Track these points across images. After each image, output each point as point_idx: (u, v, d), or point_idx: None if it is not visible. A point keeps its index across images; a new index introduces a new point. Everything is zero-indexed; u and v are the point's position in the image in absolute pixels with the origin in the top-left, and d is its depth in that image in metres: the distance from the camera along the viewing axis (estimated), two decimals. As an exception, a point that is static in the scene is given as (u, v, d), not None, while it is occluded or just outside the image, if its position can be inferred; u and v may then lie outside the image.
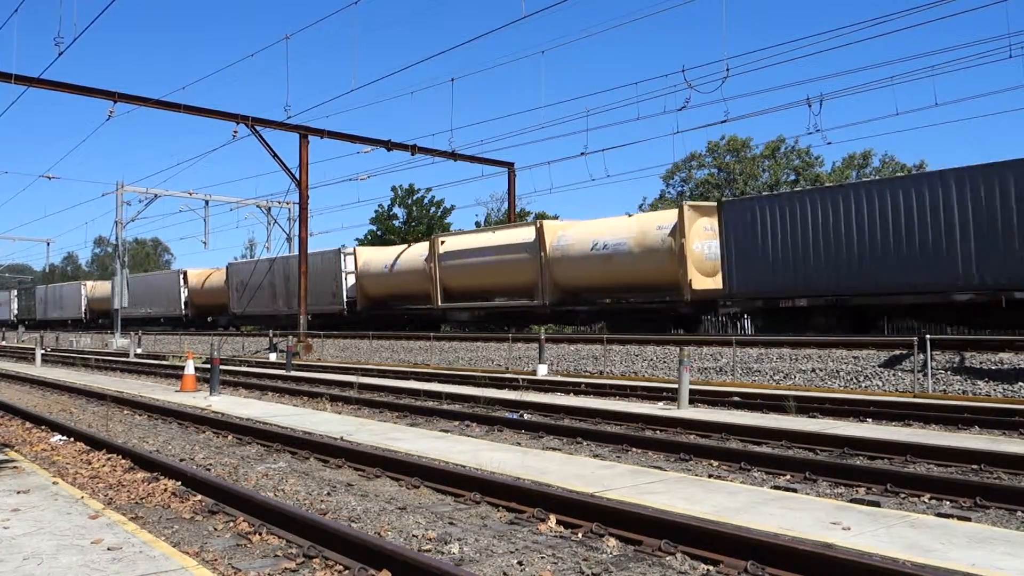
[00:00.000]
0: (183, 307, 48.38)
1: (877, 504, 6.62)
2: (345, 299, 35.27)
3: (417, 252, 32.53)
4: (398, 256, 33.71)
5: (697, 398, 13.84)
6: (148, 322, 50.90)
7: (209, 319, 47.41)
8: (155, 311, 50.33)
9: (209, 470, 8.72)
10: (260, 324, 41.73)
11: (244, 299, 41.40)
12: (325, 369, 24.80)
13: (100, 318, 57.26)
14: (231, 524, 6.25)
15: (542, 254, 26.33)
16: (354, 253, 35.79)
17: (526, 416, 12.83)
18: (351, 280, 35.35)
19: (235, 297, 42.30)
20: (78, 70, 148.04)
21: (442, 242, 30.99)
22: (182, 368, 19.44)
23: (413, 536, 5.92)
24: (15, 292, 73.67)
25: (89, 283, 61.51)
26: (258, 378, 21.15)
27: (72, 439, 10.82)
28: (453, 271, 30.00)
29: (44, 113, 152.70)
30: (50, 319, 63.03)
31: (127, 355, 33.18)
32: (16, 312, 70.72)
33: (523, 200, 46.63)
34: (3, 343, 50.18)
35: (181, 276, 49.00)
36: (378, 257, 35.02)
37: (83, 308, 59.13)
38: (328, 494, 7.47)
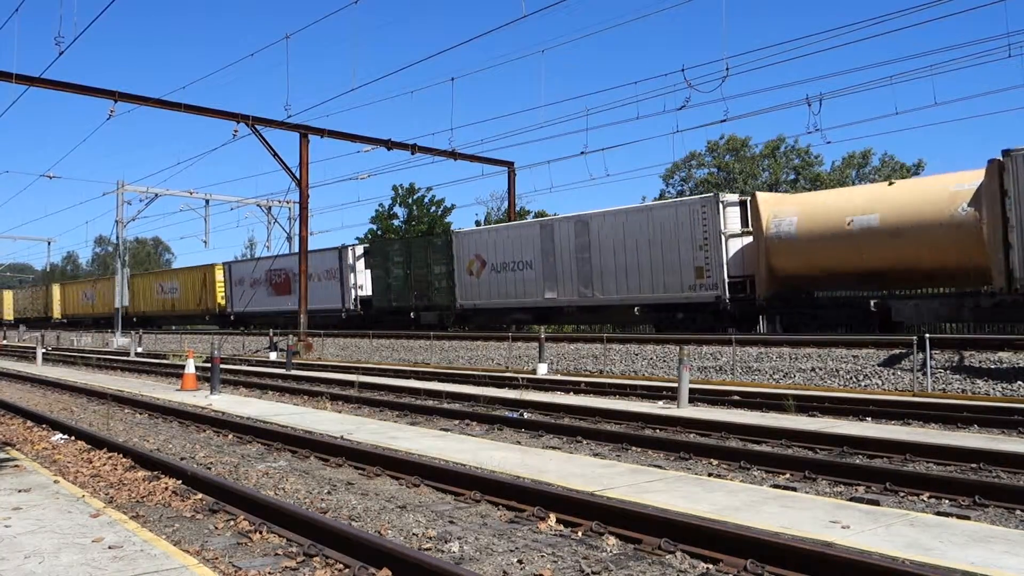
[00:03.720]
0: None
1: (876, 503, 6.63)
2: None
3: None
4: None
5: (697, 397, 13.84)
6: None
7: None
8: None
9: (210, 469, 8.74)
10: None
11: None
12: (325, 368, 24.79)
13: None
14: (232, 523, 6.27)
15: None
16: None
17: (526, 415, 12.84)
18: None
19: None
20: (78, 70, 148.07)
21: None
22: (182, 367, 19.46)
23: (413, 535, 5.93)
24: (360, 249, 34.01)
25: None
26: (258, 377, 21.15)
27: (73, 438, 10.84)
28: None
29: (44, 113, 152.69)
30: (507, 306, 27.55)
31: (128, 354, 33.20)
32: (361, 290, 33.46)
33: (523, 199, 46.64)
34: (4, 342, 50.13)
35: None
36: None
37: None
38: (328, 493, 7.49)
